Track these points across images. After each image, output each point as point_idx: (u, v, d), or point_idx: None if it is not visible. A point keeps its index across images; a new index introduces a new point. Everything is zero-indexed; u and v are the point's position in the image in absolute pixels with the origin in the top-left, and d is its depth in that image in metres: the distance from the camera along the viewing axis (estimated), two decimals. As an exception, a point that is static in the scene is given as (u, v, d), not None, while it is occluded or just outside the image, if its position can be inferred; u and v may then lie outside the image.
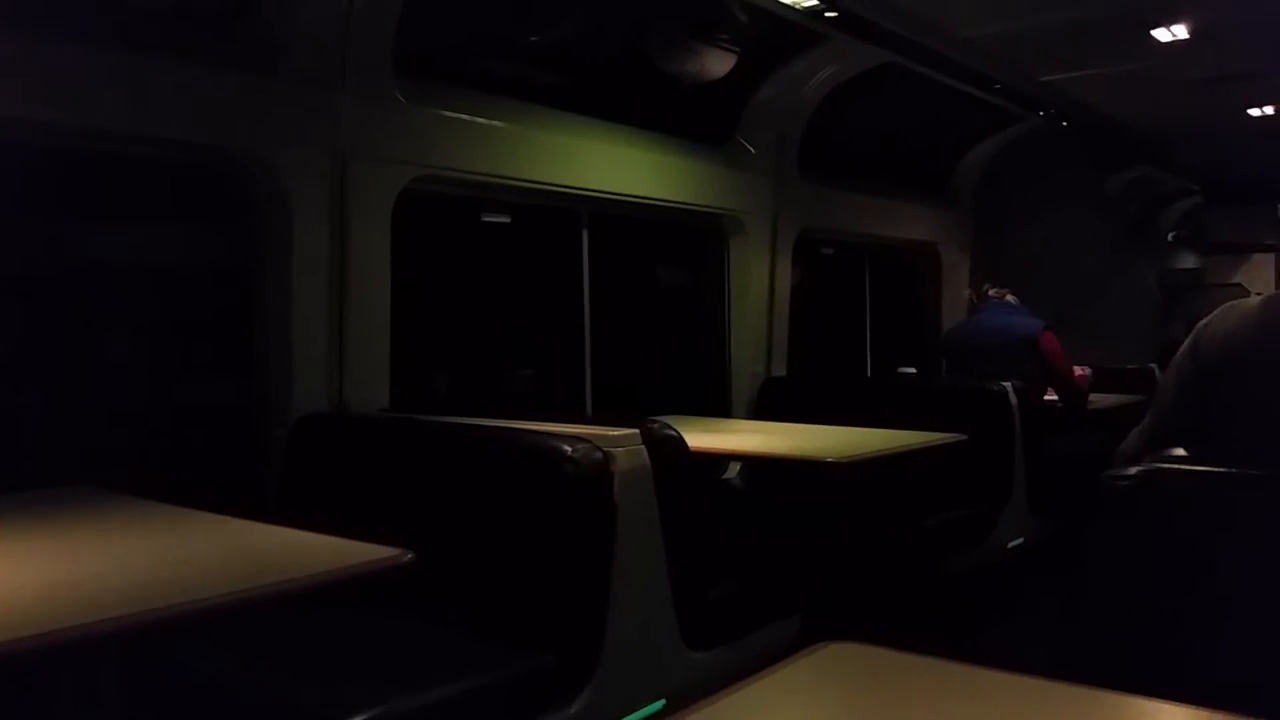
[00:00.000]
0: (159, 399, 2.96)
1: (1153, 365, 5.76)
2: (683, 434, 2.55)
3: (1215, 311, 1.90)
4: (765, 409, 4.49)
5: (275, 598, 1.53)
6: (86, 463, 2.49)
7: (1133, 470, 1.58)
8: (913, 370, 5.70)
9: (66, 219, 2.73)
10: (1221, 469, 1.57)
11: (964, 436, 3.18)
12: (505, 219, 3.90)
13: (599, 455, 2.29)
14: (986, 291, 4.81)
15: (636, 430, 2.45)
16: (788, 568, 3.08)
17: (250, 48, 2.75)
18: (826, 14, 3.69)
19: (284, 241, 2.83)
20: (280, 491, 2.79)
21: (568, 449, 2.26)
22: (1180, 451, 1.64)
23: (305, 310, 2.85)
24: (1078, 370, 4.71)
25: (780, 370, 4.70)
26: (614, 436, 2.38)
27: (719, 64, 4.15)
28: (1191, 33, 4.14)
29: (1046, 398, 4.55)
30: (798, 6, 3.59)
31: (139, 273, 2.97)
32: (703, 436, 3.09)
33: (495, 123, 3.37)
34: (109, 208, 2.82)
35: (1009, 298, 4.74)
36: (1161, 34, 4.17)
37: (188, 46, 2.61)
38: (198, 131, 2.65)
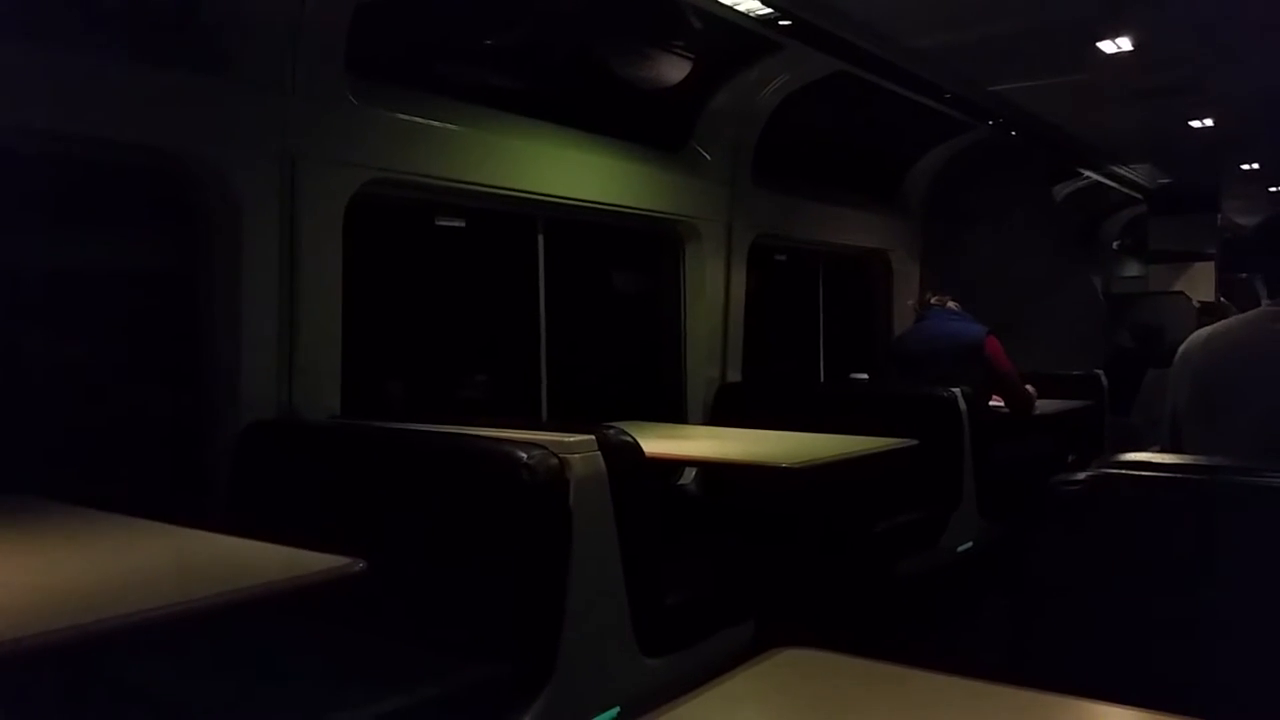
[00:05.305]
0: (105, 406, 2.89)
1: (1098, 371, 5.87)
2: (638, 440, 2.55)
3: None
4: (721, 414, 4.50)
5: (222, 608, 1.50)
6: (29, 471, 2.42)
7: (1080, 475, 1.61)
8: (865, 376, 5.75)
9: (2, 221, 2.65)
10: (1164, 473, 1.61)
11: (914, 441, 3.22)
12: (460, 224, 3.87)
13: (554, 462, 2.28)
14: (929, 299, 4.88)
15: (592, 436, 2.44)
16: (742, 573, 3.09)
17: (198, 49, 2.70)
18: (780, 22, 3.72)
19: (232, 246, 2.78)
20: (229, 499, 2.74)
21: (523, 455, 2.25)
22: (1130, 456, 1.68)
23: (254, 316, 2.80)
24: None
25: (736, 376, 4.71)
26: (569, 443, 2.37)
27: (674, 70, 4.16)
28: (1135, 44, 4.25)
29: (992, 403, 4.61)
30: (752, 14, 3.62)
31: (86, 278, 2.89)
32: (658, 442, 3.10)
33: (450, 126, 3.34)
34: (50, 211, 2.74)
35: (950, 304, 4.80)
36: (1106, 45, 4.27)
37: (133, 47, 2.55)
38: (143, 133, 2.59)
